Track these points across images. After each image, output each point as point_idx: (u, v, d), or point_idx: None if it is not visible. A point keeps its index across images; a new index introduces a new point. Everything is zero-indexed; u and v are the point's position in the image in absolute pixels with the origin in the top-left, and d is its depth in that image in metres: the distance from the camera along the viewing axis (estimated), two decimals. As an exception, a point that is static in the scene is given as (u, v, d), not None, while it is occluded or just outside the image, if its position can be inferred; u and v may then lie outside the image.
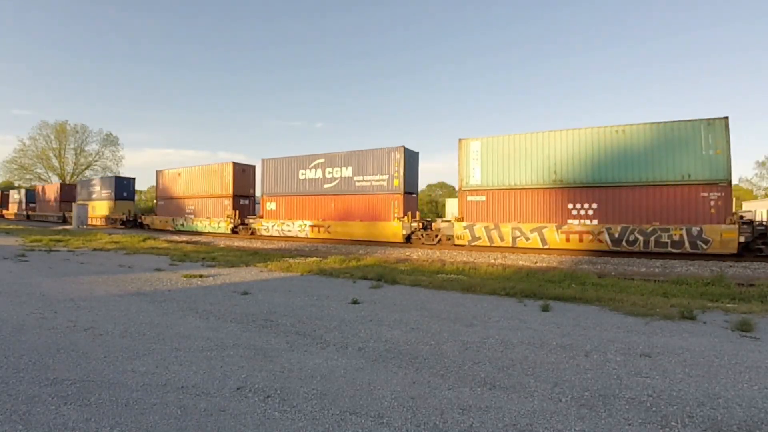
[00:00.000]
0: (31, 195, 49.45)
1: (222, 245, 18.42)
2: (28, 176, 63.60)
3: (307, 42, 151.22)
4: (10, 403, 3.02)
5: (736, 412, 2.95)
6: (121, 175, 47.78)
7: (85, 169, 64.09)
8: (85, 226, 31.59)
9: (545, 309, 6.11)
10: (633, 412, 2.94)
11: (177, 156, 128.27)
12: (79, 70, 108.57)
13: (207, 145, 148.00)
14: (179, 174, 27.64)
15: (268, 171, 22.73)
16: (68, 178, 59.65)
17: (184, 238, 22.58)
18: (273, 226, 22.04)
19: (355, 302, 6.57)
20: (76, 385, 3.35)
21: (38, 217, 45.44)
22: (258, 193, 25.55)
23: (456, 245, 16.63)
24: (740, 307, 6.29)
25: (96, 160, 64.81)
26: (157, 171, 29.18)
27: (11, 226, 30.30)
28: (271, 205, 22.51)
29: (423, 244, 17.93)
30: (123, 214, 32.52)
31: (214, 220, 24.81)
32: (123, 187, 34.76)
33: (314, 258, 12.86)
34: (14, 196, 53.16)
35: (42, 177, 62.78)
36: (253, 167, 25.95)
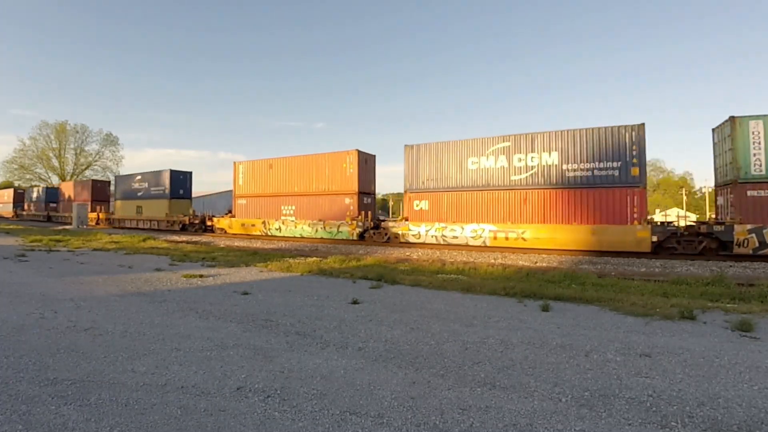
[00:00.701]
0: (53, 194, 43.47)
1: (222, 245, 18.38)
2: (28, 176, 63.76)
3: (304, 47, 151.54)
4: (10, 403, 3.02)
5: (736, 412, 2.95)
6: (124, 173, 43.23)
7: (85, 169, 64.35)
8: (84, 226, 31.54)
9: (545, 309, 6.11)
10: (633, 412, 2.94)
11: (178, 156, 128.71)
12: (80, 71, 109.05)
13: (208, 145, 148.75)
14: (271, 166, 22.37)
15: (416, 160, 17.73)
16: (68, 177, 59.69)
17: (184, 238, 22.45)
18: (428, 231, 17.06)
19: (355, 302, 6.57)
20: (76, 385, 3.35)
21: (61, 218, 39.22)
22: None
23: (728, 255, 12.87)
24: (740, 307, 6.29)
25: (96, 160, 65.10)
26: (234, 163, 23.99)
27: (11, 226, 30.25)
28: (421, 204, 17.57)
29: (679, 254, 13.48)
30: (185, 215, 26.65)
31: (329, 223, 19.94)
32: (179, 183, 28.19)
33: (314, 258, 12.86)
34: (31, 195, 47.32)
35: (42, 177, 62.95)
36: (374, 157, 20.82)
